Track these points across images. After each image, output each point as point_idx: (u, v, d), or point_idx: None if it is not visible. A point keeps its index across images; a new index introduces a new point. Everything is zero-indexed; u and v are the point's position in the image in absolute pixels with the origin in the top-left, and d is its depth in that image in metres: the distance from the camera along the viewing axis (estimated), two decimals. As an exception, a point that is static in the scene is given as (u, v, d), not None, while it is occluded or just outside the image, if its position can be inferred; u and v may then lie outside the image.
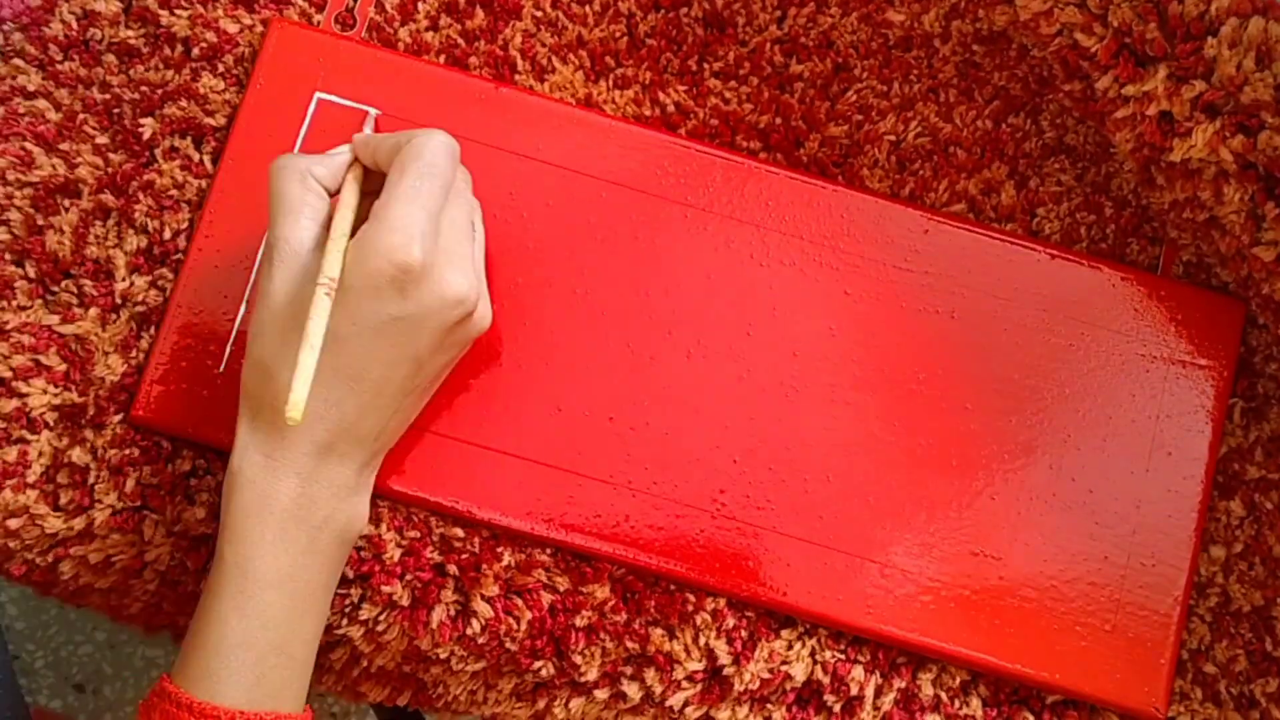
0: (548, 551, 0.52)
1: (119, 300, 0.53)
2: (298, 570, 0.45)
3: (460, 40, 0.56)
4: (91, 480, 0.51)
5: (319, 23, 0.56)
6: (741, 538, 0.52)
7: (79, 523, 0.51)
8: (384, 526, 0.52)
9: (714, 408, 0.53)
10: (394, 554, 0.51)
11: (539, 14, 0.57)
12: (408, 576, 0.51)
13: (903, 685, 0.53)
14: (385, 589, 0.51)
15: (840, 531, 0.53)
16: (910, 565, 0.53)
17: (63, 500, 0.51)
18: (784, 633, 0.53)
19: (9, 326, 0.52)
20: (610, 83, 0.57)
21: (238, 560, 0.44)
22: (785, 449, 0.53)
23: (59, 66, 0.54)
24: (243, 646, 0.44)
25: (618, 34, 0.57)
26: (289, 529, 0.45)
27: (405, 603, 0.51)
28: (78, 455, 0.51)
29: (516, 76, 0.56)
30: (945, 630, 0.52)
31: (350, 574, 0.51)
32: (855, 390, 0.54)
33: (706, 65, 0.57)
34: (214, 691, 0.43)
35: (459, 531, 0.52)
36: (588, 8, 0.57)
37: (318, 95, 0.54)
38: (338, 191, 0.47)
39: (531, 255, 0.54)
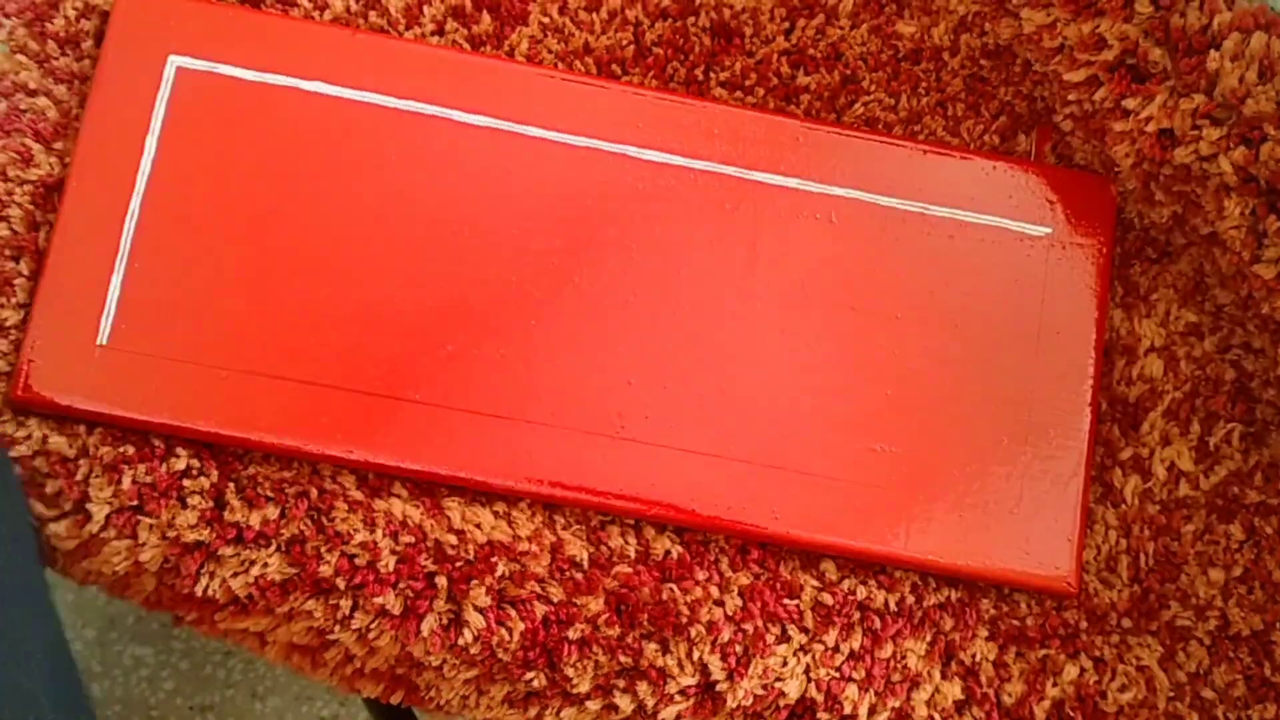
0: (543, 564, 0.52)
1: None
2: None
3: (466, 45, 0.56)
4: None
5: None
6: (644, 457, 0.53)
7: None
8: (379, 533, 0.51)
9: (605, 333, 0.53)
10: (389, 562, 0.51)
11: (546, 20, 0.56)
12: (401, 585, 0.51)
13: (897, 704, 0.52)
14: (377, 599, 0.50)
15: (739, 441, 0.53)
16: (812, 467, 0.53)
17: None
18: (779, 649, 0.52)
19: (8, 324, 0.51)
20: (615, 90, 0.56)
21: None
22: (678, 366, 0.53)
23: (56, 62, 0.54)
24: None
25: (624, 42, 0.57)
26: None
27: (397, 611, 0.51)
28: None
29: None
30: (852, 528, 0.53)
31: (343, 585, 0.51)
32: (741, 301, 0.54)
33: (713, 74, 0.57)
34: None
35: (452, 539, 0.51)
36: (595, 15, 0.56)
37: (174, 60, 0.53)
38: None
39: (405, 204, 0.53)
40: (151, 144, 0.53)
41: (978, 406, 0.54)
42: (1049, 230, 0.55)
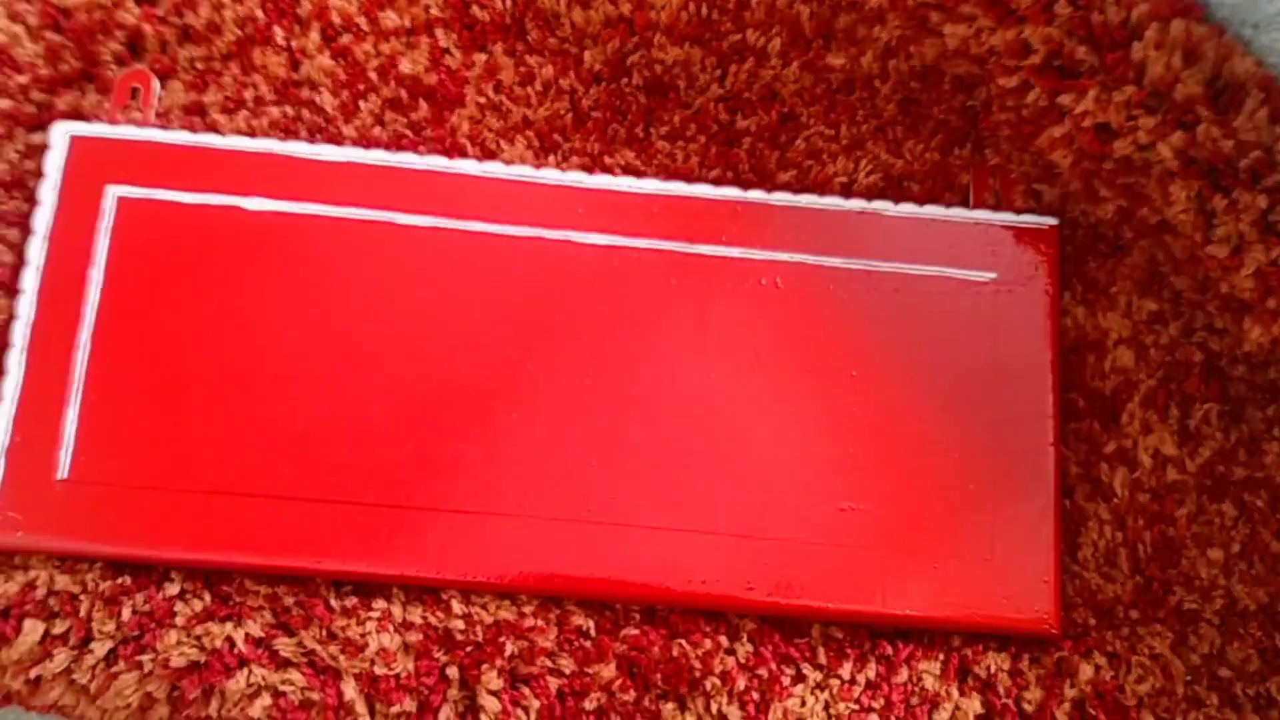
0: (550, 637, 0.52)
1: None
2: None
3: (409, 133, 0.57)
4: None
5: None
6: (614, 538, 0.52)
7: None
8: (387, 636, 0.51)
9: (563, 418, 0.53)
10: (406, 666, 0.51)
11: (482, 100, 0.57)
12: (414, 684, 0.51)
13: (919, 730, 0.52)
14: (395, 709, 0.50)
15: (706, 513, 0.53)
16: (781, 532, 0.53)
17: None
18: (796, 689, 0.52)
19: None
20: (559, 157, 0.57)
21: None
22: (639, 444, 0.53)
23: (3, 207, 0.54)
24: None
25: (562, 110, 0.57)
26: None
27: (412, 709, 0.51)
28: None
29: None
30: (829, 590, 0.53)
31: (360, 695, 0.51)
32: (695, 373, 0.54)
33: (653, 130, 0.57)
34: None
35: (460, 624, 0.51)
36: (529, 88, 0.57)
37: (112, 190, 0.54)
38: None
39: (353, 309, 0.54)
40: (97, 276, 0.53)
41: (941, 456, 0.54)
42: (994, 275, 0.56)
